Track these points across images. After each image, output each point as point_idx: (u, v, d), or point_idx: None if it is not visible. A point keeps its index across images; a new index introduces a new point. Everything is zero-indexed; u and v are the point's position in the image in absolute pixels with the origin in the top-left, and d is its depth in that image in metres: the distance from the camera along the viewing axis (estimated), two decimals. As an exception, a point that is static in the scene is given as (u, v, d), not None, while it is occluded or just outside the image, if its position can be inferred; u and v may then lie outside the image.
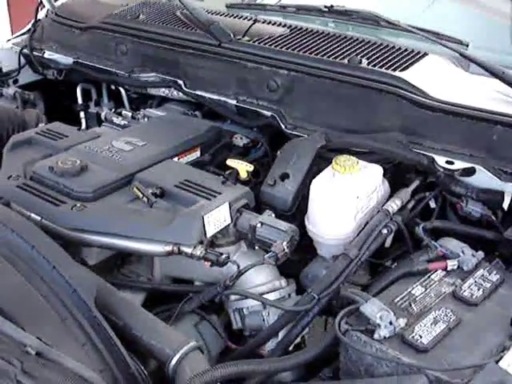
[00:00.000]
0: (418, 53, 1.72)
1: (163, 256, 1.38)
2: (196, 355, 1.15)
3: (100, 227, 1.36)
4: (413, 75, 1.62)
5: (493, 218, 1.52)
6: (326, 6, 1.96)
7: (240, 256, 1.45)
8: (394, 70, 1.63)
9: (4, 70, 2.33)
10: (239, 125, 1.91)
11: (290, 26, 1.90)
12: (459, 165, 1.50)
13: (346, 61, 1.68)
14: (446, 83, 1.63)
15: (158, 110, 2.06)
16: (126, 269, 1.55)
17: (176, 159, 1.65)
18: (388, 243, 1.54)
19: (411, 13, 2.07)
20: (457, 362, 1.12)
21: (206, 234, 1.34)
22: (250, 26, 1.90)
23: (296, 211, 1.54)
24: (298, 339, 1.38)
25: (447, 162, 1.51)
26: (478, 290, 1.31)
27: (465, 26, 1.92)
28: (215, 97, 1.87)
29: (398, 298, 1.28)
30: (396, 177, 1.65)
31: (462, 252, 1.39)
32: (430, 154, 1.53)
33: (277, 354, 1.33)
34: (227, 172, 1.64)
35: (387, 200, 1.53)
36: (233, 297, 1.44)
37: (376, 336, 1.16)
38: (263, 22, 1.95)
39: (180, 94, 1.99)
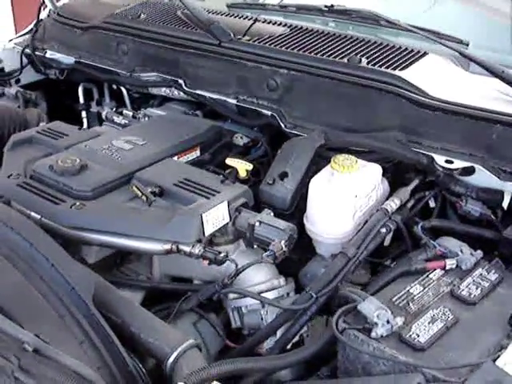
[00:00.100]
0: (418, 52, 1.72)
1: (162, 254, 1.38)
2: (194, 353, 1.16)
3: (99, 225, 1.37)
4: (412, 74, 1.62)
5: (492, 217, 1.52)
6: (326, 6, 1.96)
7: (238, 255, 1.45)
8: (394, 69, 1.63)
9: (6, 70, 2.34)
10: (240, 124, 1.91)
11: (291, 26, 1.90)
12: (459, 164, 1.50)
13: (345, 60, 1.68)
14: (445, 82, 1.63)
15: (158, 110, 2.07)
16: (126, 267, 1.56)
17: (176, 158, 1.65)
18: (387, 242, 1.53)
19: (412, 13, 2.07)
20: (454, 360, 1.12)
21: (204, 232, 1.35)
22: (251, 26, 1.90)
23: (295, 210, 1.54)
24: (297, 338, 1.38)
25: (447, 161, 1.50)
26: (477, 289, 1.31)
27: (466, 26, 1.91)
28: (215, 96, 1.87)
29: (395, 297, 1.28)
30: (396, 176, 1.65)
31: (461, 251, 1.39)
32: (430, 153, 1.53)
33: (275, 352, 1.33)
34: (227, 171, 1.64)
35: (386, 199, 1.53)
36: (231, 295, 1.44)
37: (373, 335, 1.16)
38: (263, 22, 1.95)
39: (181, 93, 2.00)
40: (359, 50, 1.73)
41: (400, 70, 1.63)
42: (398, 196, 1.51)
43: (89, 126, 2.28)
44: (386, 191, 1.57)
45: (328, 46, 1.76)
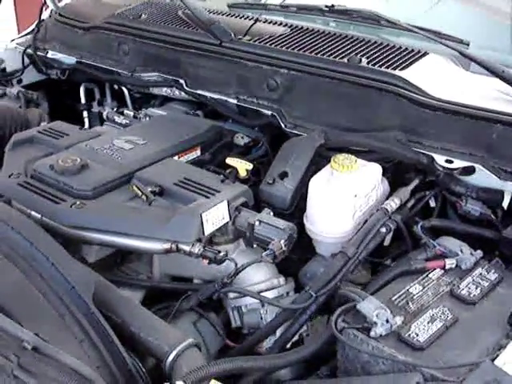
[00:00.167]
0: (419, 52, 1.72)
1: (162, 253, 1.38)
2: (193, 352, 1.16)
3: (99, 225, 1.37)
4: (413, 74, 1.62)
5: (492, 216, 1.52)
6: (326, 6, 1.97)
7: (238, 254, 1.46)
8: (394, 68, 1.63)
9: (8, 70, 2.35)
10: (240, 124, 1.91)
11: (291, 26, 1.90)
12: (458, 164, 1.50)
13: (345, 60, 1.68)
14: (445, 82, 1.63)
15: (159, 110, 2.08)
16: (126, 267, 1.56)
17: (176, 158, 1.65)
18: (387, 242, 1.53)
19: (414, 13, 2.06)
20: (453, 360, 1.12)
21: (204, 231, 1.35)
22: (251, 26, 1.91)
23: (295, 210, 1.55)
24: (296, 337, 1.38)
25: (447, 161, 1.50)
26: (476, 288, 1.31)
27: (467, 26, 1.91)
28: (216, 96, 1.88)
29: (395, 297, 1.28)
30: (396, 176, 1.65)
31: (461, 251, 1.39)
32: (430, 153, 1.53)
33: (274, 351, 1.33)
34: (227, 171, 1.64)
35: (386, 199, 1.53)
36: (231, 295, 1.45)
37: (372, 334, 1.16)
38: (264, 22, 1.96)
39: (182, 93, 2.00)
40: (359, 49, 1.73)
41: (400, 69, 1.63)
42: (398, 196, 1.51)
43: (90, 126, 2.29)
44: (386, 191, 1.57)
45: (328, 46, 1.76)
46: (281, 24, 1.93)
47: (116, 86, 2.29)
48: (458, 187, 1.54)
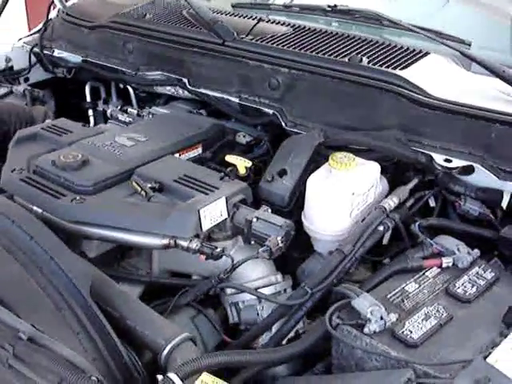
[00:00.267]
0: (420, 52, 1.72)
1: (160, 249, 1.40)
2: (188, 346, 1.17)
3: (98, 220, 1.39)
4: (413, 74, 1.62)
5: (491, 216, 1.52)
6: (329, 6, 1.98)
7: (236, 251, 1.47)
8: (395, 68, 1.64)
9: (15, 68, 2.38)
10: (242, 123, 1.93)
11: (294, 26, 1.92)
12: (457, 163, 1.50)
13: (346, 59, 1.68)
14: (446, 82, 1.63)
15: (163, 108, 2.10)
16: (126, 262, 1.58)
17: (177, 155, 1.67)
18: (386, 241, 1.54)
19: (418, 14, 2.07)
20: (446, 357, 1.13)
21: (202, 227, 1.36)
22: (254, 26, 1.92)
23: (293, 207, 1.56)
24: (293, 334, 1.38)
25: (445, 160, 1.51)
26: (472, 287, 1.31)
27: (469, 27, 1.91)
28: (218, 95, 1.89)
29: (390, 294, 1.29)
30: (396, 175, 1.65)
31: (458, 250, 1.39)
32: (429, 152, 1.53)
33: (270, 347, 1.34)
34: (229, 169, 1.66)
35: (385, 197, 1.53)
36: (229, 291, 1.46)
37: (366, 330, 1.17)
38: (267, 22, 1.97)
39: (185, 92, 2.02)
40: (361, 49, 1.74)
41: (401, 69, 1.64)
42: (397, 194, 1.52)
43: (95, 124, 2.30)
44: (384, 190, 1.57)
45: (330, 46, 1.77)
46: (283, 24, 1.95)
47: (121, 85, 2.31)
48: (456, 186, 1.54)
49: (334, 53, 1.73)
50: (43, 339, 1.03)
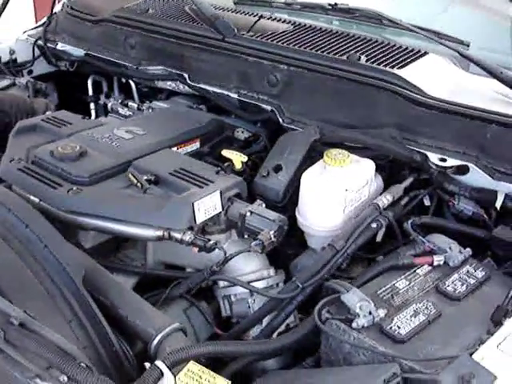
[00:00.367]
0: (418, 51, 1.73)
1: (154, 240, 1.42)
2: (178, 336, 1.19)
3: (94, 210, 1.40)
4: (410, 73, 1.63)
5: (484, 216, 1.53)
6: (329, 4, 1.99)
7: (230, 244, 1.48)
8: (392, 67, 1.65)
9: (19, 61, 2.40)
10: (242, 119, 1.94)
11: (294, 23, 1.93)
12: (452, 162, 1.51)
13: (345, 57, 1.69)
14: (443, 82, 1.64)
15: (163, 103, 2.11)
16: (122, 254, 1.60)
17: (175, 149, 1.68)
18: (379, 238, 1.55)
19: (420, 15, 2.08)
20: (433, 353, 1.13)
21: (195, 220, 1.37)
22: (255, 22, 1.93)
23: (288, 203, 1.57)
24: (283, 328, 1.40)
25: (440, 160, 1.52)
26: (462, 285, 1.32)
27: (468, 28, 1.92)
28: (217, 90, 1.91)
29: (380, 290, 1.30)
30: (391, 174, 1.66)
31: (450, 248, 1.40)
32: (424, 151, 1.54)
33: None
34: (226, 164, 1.67)
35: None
36: (221, 284, 1.47)
37: (354, 325, 1.18)
38: (268, 19, 1.98)
39: (186, 87, 2.04)
40: (360, 47, 1.75)
41: (398, 68, 1.65)
42: (391, 192, 1.53)
43: (97, 118, 2.32)
44: (379, 188, 1.58)
45: (329, 44, 1.78)
46: (284, 21, 1.96)
47: (123, 80, 2.33)
48: (451, 186, 1.55)
49: (333, 51, 1.74)
50: (34, 325, 1.05)
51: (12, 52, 2.37)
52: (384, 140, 1.57)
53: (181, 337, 1.19)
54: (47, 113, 1.94)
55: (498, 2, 1.90)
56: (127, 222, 1.39)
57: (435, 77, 1.65)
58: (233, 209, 1.43)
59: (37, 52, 2.41)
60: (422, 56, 1.71)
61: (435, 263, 1.37)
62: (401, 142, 1.56)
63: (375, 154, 1.61)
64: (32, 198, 1.45)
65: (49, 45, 2.34)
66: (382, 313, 1.21)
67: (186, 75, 1.98)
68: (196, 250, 1.36)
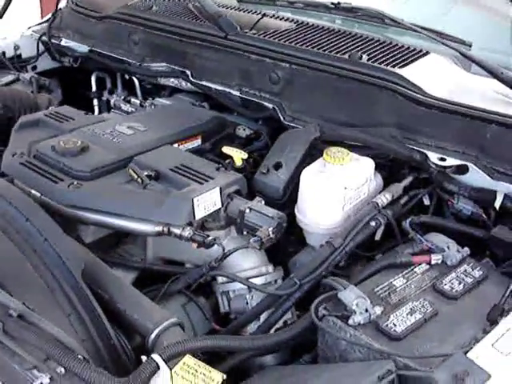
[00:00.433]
0: (420, 51, 1.74)
1: (153, 236, 1.42)
2: (176, 330, 1.19)
3: (94, 205, 1.41)
4: (412, 72, 1.64)
5: (483, 216, 1.53)
6: (332, 3, 1.99)
7: (229, 241, 1.49)
8: (394, 66, 1.65)
9: (23, 57, 2.42)
10: (244, 116, 1.95)
11: (297, 22, 1.94)
12: (451, 162, 1.51)
13: (346, 56, 1.70)
14: (444, 82, 1.64)
15: (166, 100, 2.12)
16: (121, 249, 1.60)
17: (176, 146, 1.69)
18: (378, 236, 1.55)
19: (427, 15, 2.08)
20: (428, 351, 1.14)
21: (195, 216, 1.38)
22: (258, 20, 1.94)
23: (288, 200, 1.58)
24: (281, 324, 1.40)
25: (440, 159, 1.52)
26: (459, 284, 1.32)
27: (471, 28, 1.92)
28: (220, 87, 1.92)
29: (377, 288, 1.30)
30: (391, 173, 1.67)
31: (448, 247, 1.40)
32: (424, 150, 1.54)
33: (257, 336, 1.36)
34: (227, 161, 1.68)
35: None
36: (220, 280, 1.48)
37: (351, 322, 1.18)
38: (271, 17, 1.99)
39: (188, 84, 2.05)
40: (362, 46, 1.76)
41: (399, 67, 1.65)
42: (390, 191, 1.53)
43: (100, 114, 2.34)
44: (379, 186, 1.59)
45: (331, 42, 1.79)
46: (287, 20, 1.96)
47: (127, 76, 2.34)
48: (450, 185, 1.55)
49: (335, 49, 1.75)
50: (33, 317, 1.06)
51: (16, 47, 2.39)
52: (384, 139, 1.57)
53: (178, 331, 1.20)
54: (50, 108, 1.95)
55: (499, 2, 1.90)
56: (127, 216, 1.40)
57: (436, 76, 1.66)
58: (232, 205, 1.44)
59: (41, 48, 2.42)
60: (423, 56, 1.72)
61: (433, 262, 1.38)
62: (401, 141, 1.57)
63: (375, 153, 1.61)
64: (33, 192, 1.46)
65: (53, 41, 2.36)
66: (378, 310, 1.21)
67: (188, 72, 1.99)
68: (195, 245, 1.37)
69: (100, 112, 2.37)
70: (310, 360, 1.35)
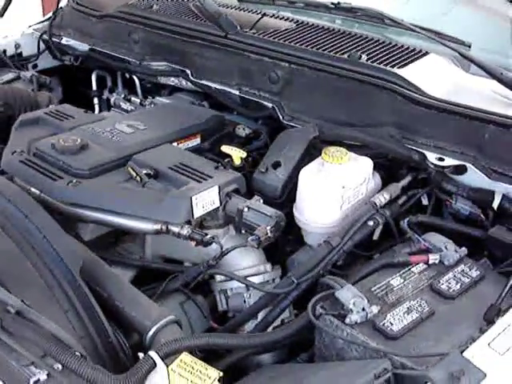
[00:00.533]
0: (420, 51, 1.74)
1: (152, 234, 1.43)
2: (173, 328, 1.20)
3: (93, 202, 1.42)
4: (410, 72, 1.64)
5: (481, 216, 1.53)
6: (332, 3, 2.00)
7: (228, 239, 1.49)
8: (393, 66, 1.66)
9: (24, 55, 2.42)
10: (243, 116, 1.95)
11: (297, 21, 1.94)
12: (450, 162, 1.52)
13: (346, 56, 1.70)
14: (443, 82, 1.65)
15: (166, 99, 2.12)
16: (120, 247, 1.61)
17: (175, 144, 1.70)
18: (376, 236, 1.56)
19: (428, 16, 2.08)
20: (425, 350, 1.14)
21: (193, 214, 1.39)
22: (258, 20, 1.95)
23: (286, 199, 1.58)
24: (278, 323, 1.41)
25: (438, 159, 1.52)
26: (456, 284, 1.33)
27: (470, 28, 1.92)
28: (219, 87, 1.92)
29: (375, 287, 1.31)
30: (390, 173, 1.67)
31: (445, 247, 1.40)
32: (422, 150, 1.55)
33: (255, 334, 1.36)
34: (226, 160, 1.68)
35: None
36: (218, 278, 1.48)
37: (347, 321, 1.19)
38: (271, 17, 1.99)
39: (189, 83, 2.05)
40: (361, 46, 1.76)
41: (399, 67, 1.65)
42: (388, 191, 1.53)
43: (100, 112, 2.34)
44: (377, 186, 1.59)
45: (331, 42, 1.79)
46: (287, 19, 1.97)
47: (127, 75, 2.35)
48: (449, 185, 1.55)
49: (335, 49, 1.75)
50: (30, 314, 1.06)
51: (17, 46, 2.40)
52: (383, 139, 1.58)
53: (176, 329, 1.20)
54: (50, 106, 1.96)
55: (499, 3, 1.91)
56: (126, 214, 1.41)
57: (435, 77, 1.66)
58: (231, 204, 1.44)
59: (42, 46, 2.42)
60: (422, 56, 1.72)
61: (430, 262, 1.38)
62: (399, 140, 1.57)
63: (374, 153, 1.62)
64: (33, 189, 1.47)
65: (54, 39, 2.36)
66: (375, 309, 1.22)
67: (188, 71, 2.00)
68: (193, 243, 1.38)
69: (100, 110, 2.37)
70: (307, 359, 1.36)
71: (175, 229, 1.38)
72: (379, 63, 1.67)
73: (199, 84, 1.98)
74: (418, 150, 1.55)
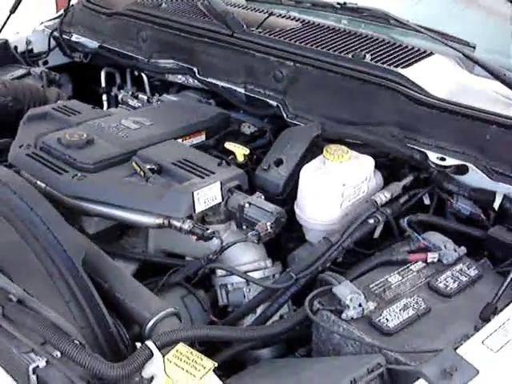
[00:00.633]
0: (424, 52, 1.75)
1: (154, 228, 1.45)
2: (172, 320, 1.21)
3: (97, 196, 1.45)
4: (414, 73, 1.65)
5: (482, 216, 1.54)
6: (338, 3, 2.01)
7: (229, 234, 1.51)
8: (397, 66, 1.67)
9: (35, 51, 2.46)
10: (249, 114, 1.97)
11: (304, 21, 1.96)
12: (451, 162, 1.52)
13: (350, 55, 1.72)
14: (446, 82, 1.65)
15: (173, 96, 2.15)
16: (124, 241, 1.63)
17: (180, 141, 1.72)
18: (377, 234, 1.56)
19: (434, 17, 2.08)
20: (419, 347, 1.15)
21: (195, 209, 1.41)
22: (265, 19, 1.96)
23: (288, 197, 1.59)
24: (277, 318, 1.42)
25: (439, 159, 1.53)
26: (454, 282, 1.33)
27: (474, 29, 1.93)
28: (226, 85, 1.94)
29: (373, 284, 1.32)
30: (392, 172, 1.68)
31: (444, 246, 1.41)
32: (424, 150, 1.55)
33: (253, 329, 1.38)
34: (230, 157, 1.70)
35: (379, 192, 1.56)
36: (219, 273, 1.50)
37: (344, 316, 1.20)
38: (278, 16, 2.01)
39: (195, 81, 2.07)
40: (366, 46, 1.77)
41: (402, 67, 1.66)
42: (389, 190, 1.54)
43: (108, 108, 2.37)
44: (379, 185, 1.60)
45: (336, 42, 1.81)
46: (294, 19, 1.98)
47: (136, 72, 2.37)
48: (450, 185, 1.56)
49: (340, 49, 1.77)
50: (32, 302, 1.09)
51: (28, 42, 2.43)
52: (385, 138, 1.58)
53: (175, 321, 1.22)
54: (59, 102, 1.99)
55: (503, 4, 1.91)
56: (129, 208, 1.43)
57: (439, 77, 1.67)
58: (232, 200, 1.46)
59: (53, 43, 2.46)
60: (427, 56, 1.73)
61: (429, 260, 1.39)
62: (401, 140, 1.58)
63: (376, 152, 1.62)
64: (39, 182, 1.50)
65: (64, 36, 2.40)
66: (371, 305, 1.23)
67: (195, 69, 2.02)
68: (194, 238, 1.39)
69: (109, 107, 2.40)
70: (304, 354, 1.38)
71: (177, 223, 1.40)
72: (383, 63, 1.68)
73: (206, 82, 2.00)
74: (420, 149, 1.56)
